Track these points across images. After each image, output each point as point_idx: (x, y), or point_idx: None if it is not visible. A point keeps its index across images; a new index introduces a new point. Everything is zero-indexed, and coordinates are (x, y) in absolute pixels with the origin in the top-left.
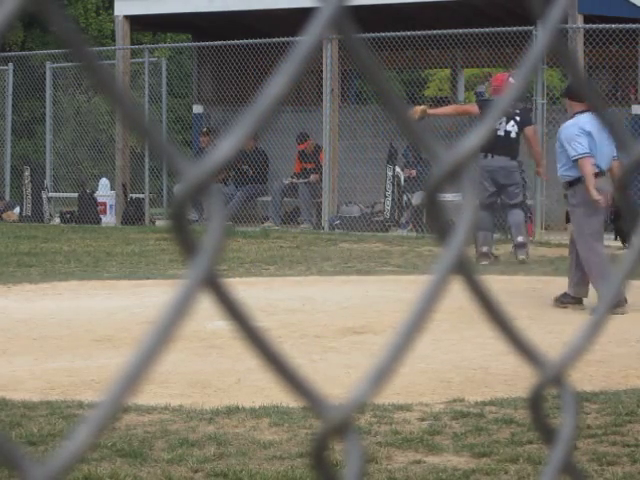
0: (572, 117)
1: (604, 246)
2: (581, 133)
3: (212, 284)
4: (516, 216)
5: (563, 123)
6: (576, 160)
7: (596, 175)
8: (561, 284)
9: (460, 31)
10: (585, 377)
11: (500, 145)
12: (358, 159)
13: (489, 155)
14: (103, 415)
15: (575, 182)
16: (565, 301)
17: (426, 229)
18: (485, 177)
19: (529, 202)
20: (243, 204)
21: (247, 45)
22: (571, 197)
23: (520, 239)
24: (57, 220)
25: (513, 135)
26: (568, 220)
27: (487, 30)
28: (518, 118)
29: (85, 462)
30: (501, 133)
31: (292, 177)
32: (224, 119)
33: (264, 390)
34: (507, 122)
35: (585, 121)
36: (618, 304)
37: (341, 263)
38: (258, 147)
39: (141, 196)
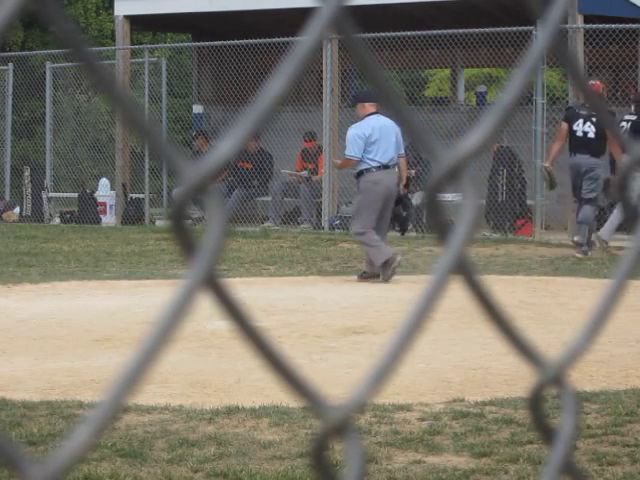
0: (362, 119)
1: (373, 227)
2: (359, 137)
3: (212, 284)
4: (583, 213)
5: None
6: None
7: (377, 168)
8: (561, 283)
9: (460, 31)
10: (585, 377)
11: (580, 144)
12: None
13: (572, 154)
14: (103, 415)
15: (359, 174)
16: (366, 277)
17: (426, 229)
18: (570, 174)
19: (529, 202)
20: (242, 203)
21: (247, 45)
22: (358, 185)
23: (576, 238)
24: (57, 220)
25: (591, 135)
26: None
27: (487, 30)
28: (594, 119)
29: (85, 462)
30: (579, 134)
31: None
32: (224, 119)
33: (264, 390)
34: (584, 123)
35: (368, 125)
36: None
37: (341, 263)
38: (261, 147)
39: (141, 196)
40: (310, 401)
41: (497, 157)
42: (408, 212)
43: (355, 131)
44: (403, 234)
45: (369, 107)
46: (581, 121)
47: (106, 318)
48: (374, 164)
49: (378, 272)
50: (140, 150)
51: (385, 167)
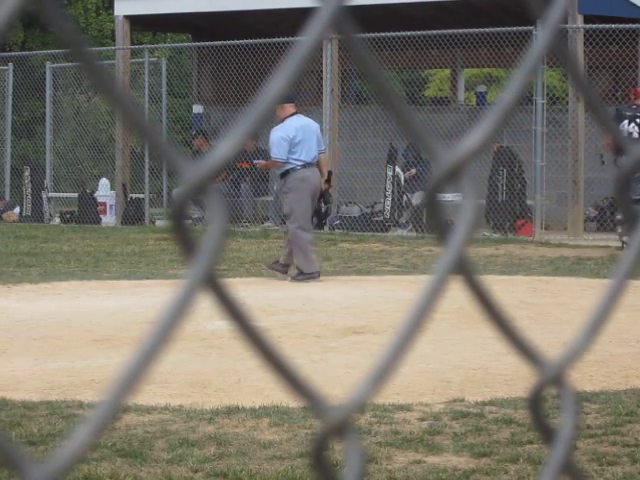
0: (282, 121)
1: (309, 227)
2: (284, 139)
3: (212, 284)
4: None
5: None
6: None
7: (303, 166)
8: (561, 283)
9: (460, 31)
10: (585, 377)
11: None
12: (358, 159)
13: (619, 155)
14: (103, 415)
15: (285, 174)
16: (275, 268)
17: (426, 229)
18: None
19: (529, 202)
20: (251, 197)
21: (247, 45)
22: (283, 186)
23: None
24: (57, 220)
25: (635, 135)
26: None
27: (487, 30)
28: (639, 120)
29: (85, 462)
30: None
31: None
32: (224, 119)
33: (264, 390)
34: (629, 124)
35: (291, 126)
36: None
37: (341, 263)
38: (259, 147)
39: (141, 196)
40: (310, 401)
41: (497, 157)
42: (328, 207)
43: (279, 134)
44: (322, 228)
45: (289, 108)
46: (626, 122)
47: (106, 318)
48: (299, 163)
49: (285, 270)
50: (140, 150)
51: (309, 165)
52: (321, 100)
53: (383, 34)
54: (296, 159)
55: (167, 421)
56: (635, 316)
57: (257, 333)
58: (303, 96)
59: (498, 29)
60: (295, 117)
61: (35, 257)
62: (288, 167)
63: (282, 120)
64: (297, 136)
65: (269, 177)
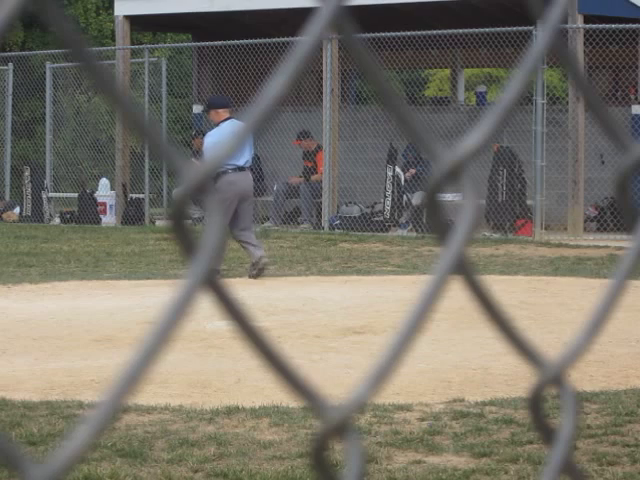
0: (217, 125)
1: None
2: (217, 145)
3: (212, 284)
4: None
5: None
6: None
7: (234, 170)
8: (561, 283)
9: (460, 31)
10: (585, 377)
11: None
12: (358, 159)
13: None
14: (103, 415)
15: (216, 177)
16: (259, 272)
17: (426, 229)
18: None
19: (529, 202)
20: None
21: (247, 45)
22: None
23: None
24: (57, 220)
25: None
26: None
27: (487, 30)
28: None
29: (85, 462)
30: None
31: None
32: None
33: (264, 390)
34: None
35: (226, 131)
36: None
37: (341, 263)
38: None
39: (141, 196)
40: (310, 401)
41: (497, 157)
42: None
43: (214, 139)
44: None
45: (223, 113)
46: None
47: (106, 318)
48: (230, 167)
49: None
50: (140, 150)
51: (240, 169)
52: (321, 100)
53: (383, 34)
54: (227, 163)
55: (167, 421)
56: (635, 316)
57: (257, 333)
58: (303, 96)
59: (498, 29)
60: (229, 122)
61: (35, 257)
62: (220, 170)
63: (217, 125)
64: None
65: (264, 176)
